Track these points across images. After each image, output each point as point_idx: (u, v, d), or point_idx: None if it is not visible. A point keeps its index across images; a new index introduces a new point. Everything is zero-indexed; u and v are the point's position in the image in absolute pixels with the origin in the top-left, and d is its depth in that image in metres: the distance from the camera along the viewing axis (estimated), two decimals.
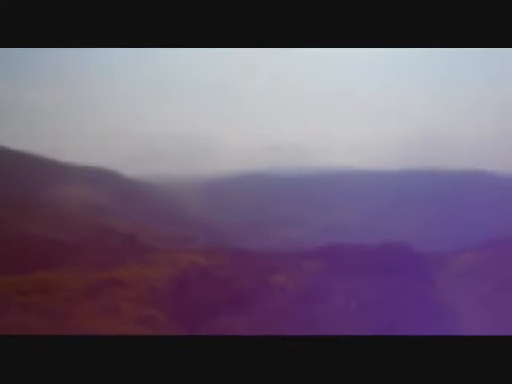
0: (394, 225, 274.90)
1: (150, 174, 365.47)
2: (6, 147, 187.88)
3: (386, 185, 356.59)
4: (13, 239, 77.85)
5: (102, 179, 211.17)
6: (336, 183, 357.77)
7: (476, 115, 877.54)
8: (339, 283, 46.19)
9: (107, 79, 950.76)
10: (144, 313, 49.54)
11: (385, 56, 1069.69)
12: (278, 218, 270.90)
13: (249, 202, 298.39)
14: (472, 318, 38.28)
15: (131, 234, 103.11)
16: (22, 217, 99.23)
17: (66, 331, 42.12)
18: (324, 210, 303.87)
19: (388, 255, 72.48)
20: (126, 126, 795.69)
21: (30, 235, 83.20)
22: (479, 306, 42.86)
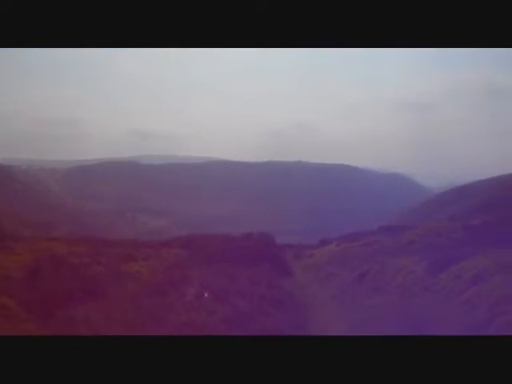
0: (260, 215, 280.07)
1: (15, 158, 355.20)
2: None
3: (253, 176, 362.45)
4: None
5: None
6: (204, 173, 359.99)
7: (350, 113, 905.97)
8: (196, 273, 46.90)
9: None
10: None
11: (262, 53, 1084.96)
12: (144, 206, 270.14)
13: (115, 190, 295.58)
14: (329, 311, 39.97)
15: None
16: None
17: None
18: (191, 200, 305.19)
19: (248, 245, 73.79)
20: None
21: None
22: (338, 298, 44.61)
